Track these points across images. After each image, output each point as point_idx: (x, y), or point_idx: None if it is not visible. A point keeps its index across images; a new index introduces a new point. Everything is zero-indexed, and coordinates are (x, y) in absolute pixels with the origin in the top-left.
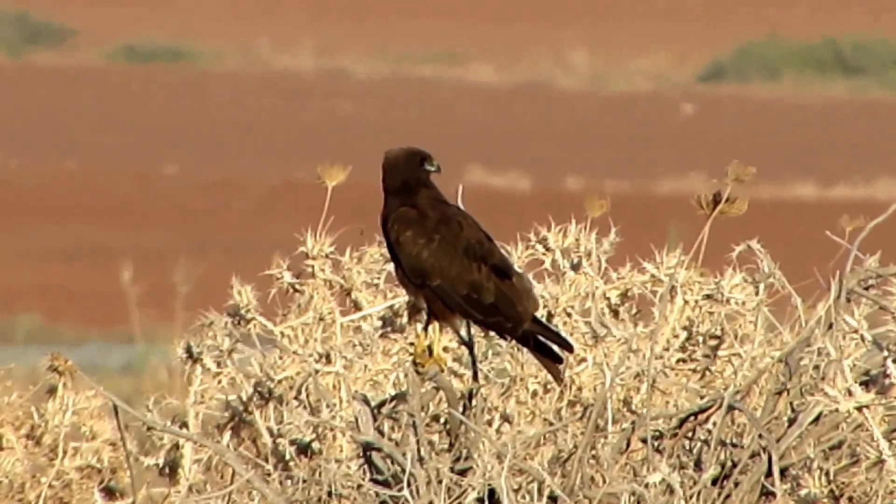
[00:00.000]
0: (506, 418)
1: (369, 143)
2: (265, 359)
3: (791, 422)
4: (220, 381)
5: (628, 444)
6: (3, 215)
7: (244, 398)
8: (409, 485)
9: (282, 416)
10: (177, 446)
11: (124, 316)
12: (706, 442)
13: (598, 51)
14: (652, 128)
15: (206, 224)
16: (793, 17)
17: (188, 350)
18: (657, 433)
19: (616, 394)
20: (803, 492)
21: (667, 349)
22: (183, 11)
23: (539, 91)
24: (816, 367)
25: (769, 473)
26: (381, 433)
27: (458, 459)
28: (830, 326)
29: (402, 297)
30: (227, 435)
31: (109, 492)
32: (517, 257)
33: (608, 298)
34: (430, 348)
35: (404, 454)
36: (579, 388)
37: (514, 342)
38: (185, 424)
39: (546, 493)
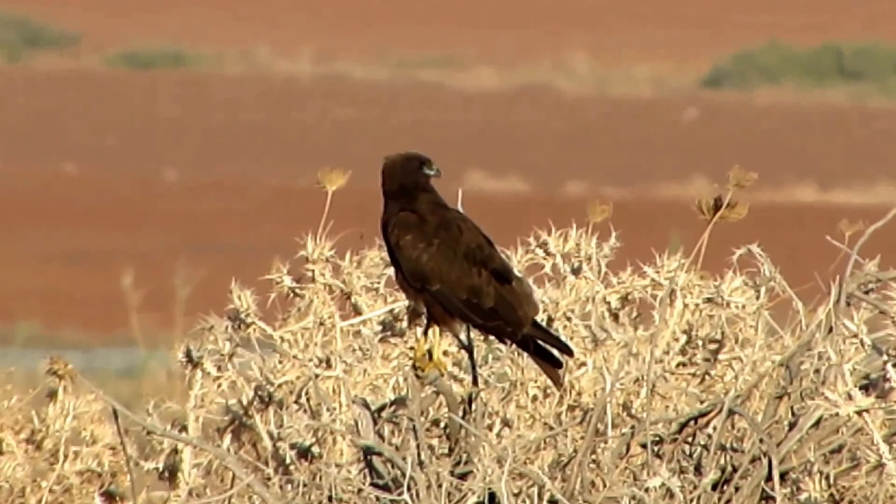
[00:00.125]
0: (506, 422)
1: (369, 147)
2: (265, 363)
3: (791, 426)
4: (220, 385)
5: (628, 449)
6: (3, 219)
7: (244, 402)
8: (409, 489)
9: (282, 420)
10: (177, 450)
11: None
12: (706, 446)
13: (598, 55)
14: (652, 133)
15: (205, 228)
16: (793, 24)
17: (188, 354)
18: (657, 437)
19: (616, 398)
20: (803, 496)
21: (667, 353)
22: (183, 16)
23: (539, 95)
24: (817, 371)
25: (769, 478)
26: (382, 437)
27: (458, 463)
28: (831, 330)
29: (402, 302)
30: (228, 439)
31: (110, 496)
32: (517, 261)
33: (608, 302)
34: (430, 352)
35: (404, 458)
36: (579, 393)
37: (514, 346)
38: (185, 428)
39: (546, 497)
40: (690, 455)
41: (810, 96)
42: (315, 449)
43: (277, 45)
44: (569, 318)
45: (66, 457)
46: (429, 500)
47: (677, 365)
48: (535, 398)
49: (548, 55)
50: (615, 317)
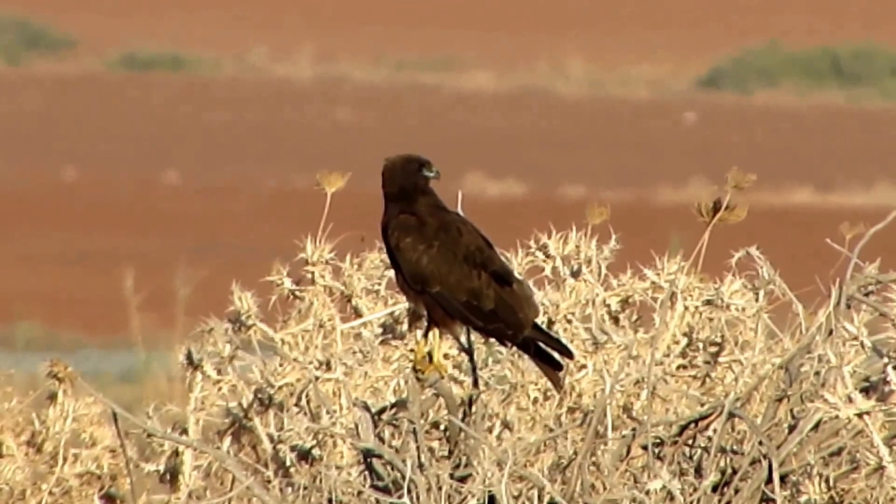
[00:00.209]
0: (506, 425)
1: (368, 149)
2: (265, 365)
3: (791, 428)
4: (220, 388)
5: (628, 451)
6: (3, 221)
7: (244, 405)
8: (409, 491)
9: (282, 422)
10: (177, 453)
11: (124, 322)
12: (706, 449)
13: (596, 58)
14: (651, 135)
15: (205, 230)
16: (792, 26)
17: (189, 357)
18: (657, 440)
19: (616, 400)
20: (803, 498)
21: (667, 356)
22: (182, 20)
23: (538, 98)
24: (817, 374)
25: (769, 480)
26: (382, 440)
27: (458, 466)
28: (831, 333)
29: (402, 304)
30: (228, 441)
31: (110, 498)
32: (517, 264)
33: (608, 305)
34: (430, 355)
35: (404, 461)
36: (579, 395)
37: (514, 349)
38: (185, 431)
39: (546, 499)
40: (691, 457)
41: (809, 98)
42: (315, 451)
43: (276, 48)
44: (569, 321)
45: (65, 459)
46: (429, 502)
47: (678, 367)
48: (535, 400)
49: (546, 58)
50: (615, 319)
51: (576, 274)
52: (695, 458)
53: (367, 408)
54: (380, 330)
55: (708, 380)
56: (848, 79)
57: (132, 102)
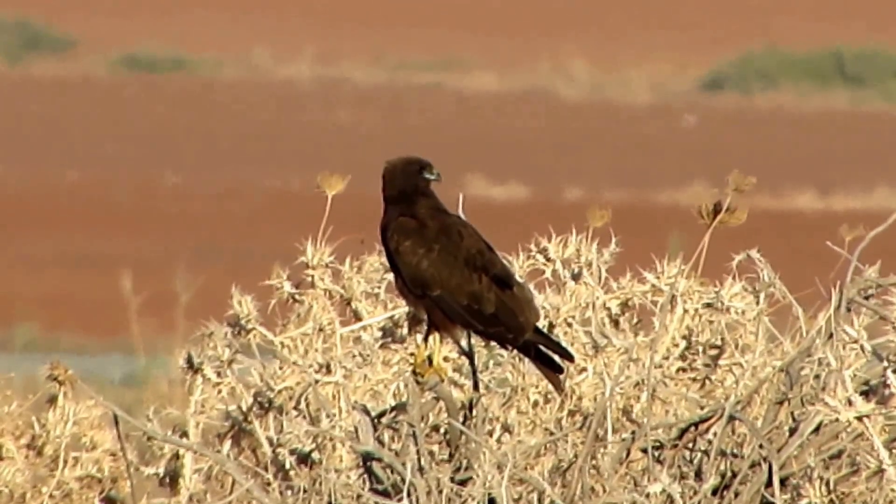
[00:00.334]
0: (506, 428)
1: (369, 151)
2: (265, 369)
3: (791, 431)
4: (220, 391)
5: (628, 454)
6: (3, 223)
7: (244, 408)
8: (409, 495)
9: (282, 425)
10: (177, 456)
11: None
12: (706, 452)
13: (598, 60)
14: (652, 137)
15: (206, 233)
16: (793, 27)
17: (189, 360)
18: (657, 443)
19: (616, 403)
20: (803, 501)
21: (667, 358)
22: (183, 21)
23: (539, 100)
24: (817, 377)
25: (769, 483)
26: (382, 443)
27: (458, 469)
28: (831, 336)
29: (402, 308)
30: (228, 445)
31: (110, 502)
32: (518, 267)
33: (609, 308)
34: (430, 358)
35: (404, 464)
36: (580, 398)
37: (514, 352)
38: (185, 434)
39: (546, 502)
40: (691, 460)
41: (811, 100)
42: (315, 455)
43: (277, 49)
44: (570, 324)
45: (66, 462)
46: None
47: (677, 370)
48: (535, 403)
49: (547, 59)
50: (616, 322)
51: (576, 277)
52: (695, 461)
53: (366, 411)
54: (379, 333)
55: (708, 383)
56: (850, 81)
57: (133, 104)
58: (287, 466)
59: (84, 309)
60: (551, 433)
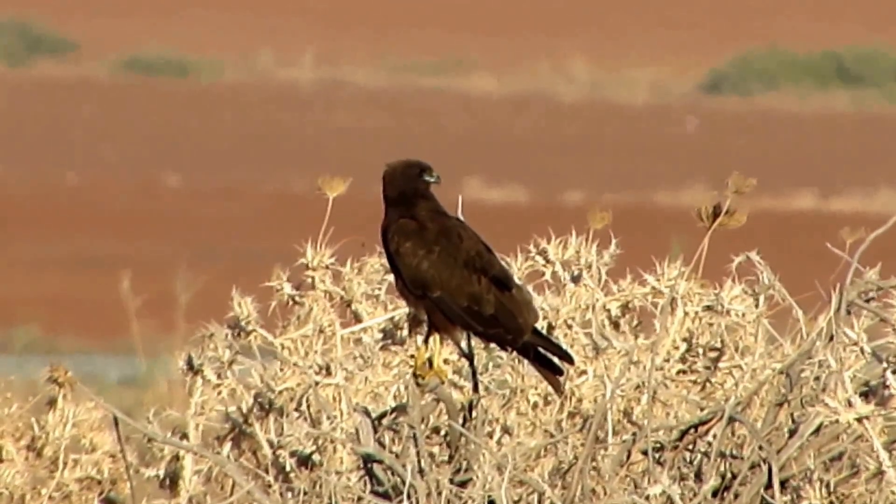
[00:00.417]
0: (506, 430)
1: (369, 153)
2: (266, 370)
3: (791, 433)
4: (220, 393)
5: (629, 456)
6: (3, 225)
7: (244, 410)
8: (409, 496)
9: (282, 427)
10: (177, 458)
11: (124, 327)
12: (707, 453)
13: (598, 61)
14: (652, 139)
15: (207, 235)
16: (794, 28)
17: (189, 362)
18: (658, 445)
19: (616, 405)
20: (803, 503)
21: (667, 361)
22: (185, 24)
23: (539, 102)
24: (817, 379)
25: (769, 485)
26: (382, 445)
27: (458, 471)
28: (831, 338)
29: (402, 309)
30: (228, 446)
31: (110, 503)
32: (517, 269)
33: (609, 310)
34: (430, 360)
35: (405, 466)
36: (580, 400)
37: (514, 354)
38: (185, 436)
39: None
40: (691, 462)
41: (811, 101)
42: (315, 456)
43: (278, 51)
44: (569, 326)
45: (65, 464)
46: None
47: (678, 372)
48: (535, 405)
49: (547, 61)
50: (616, 325)
51: (576, 279)
52: (695, 462)
53: (367, 413)
54: (380, 335)
55: (708, 385)
56: (851, 82)
57: (134, 106)
58: (287, 468)
59: (84, 310)
60: (551, 435)
